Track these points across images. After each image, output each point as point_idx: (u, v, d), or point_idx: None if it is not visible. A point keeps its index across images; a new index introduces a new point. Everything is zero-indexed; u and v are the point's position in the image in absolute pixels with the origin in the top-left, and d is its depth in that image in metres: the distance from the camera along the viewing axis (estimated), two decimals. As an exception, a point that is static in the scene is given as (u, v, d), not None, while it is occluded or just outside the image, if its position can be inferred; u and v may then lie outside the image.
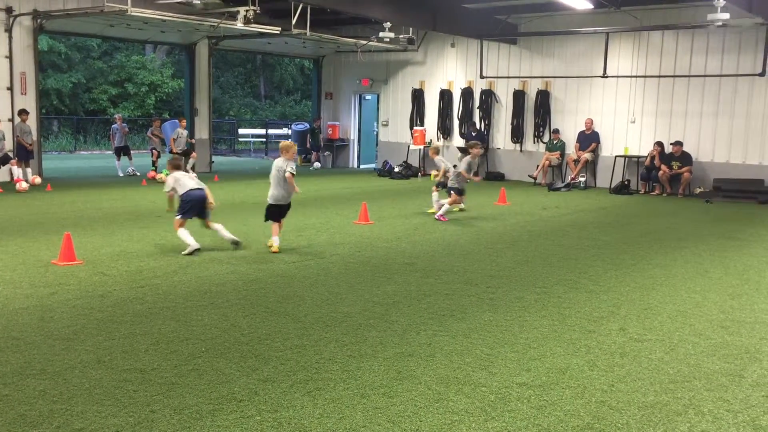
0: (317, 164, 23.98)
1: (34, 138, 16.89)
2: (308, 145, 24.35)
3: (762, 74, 16.16)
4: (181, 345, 5.44)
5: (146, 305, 6.54)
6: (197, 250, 8.82)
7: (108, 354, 5.21)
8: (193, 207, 9.00)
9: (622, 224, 12.37)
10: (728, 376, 5.05)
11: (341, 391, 4.60)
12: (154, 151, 20.15)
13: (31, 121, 16.88)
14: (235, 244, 9.23)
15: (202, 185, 9.18)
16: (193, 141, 19.79)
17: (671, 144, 17.31)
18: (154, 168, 19.35)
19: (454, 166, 12.91)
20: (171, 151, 22.28)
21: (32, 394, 4.47)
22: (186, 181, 9.10)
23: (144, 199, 14.25)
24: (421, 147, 21.35)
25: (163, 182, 17.73)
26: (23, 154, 16.46)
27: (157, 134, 20.62)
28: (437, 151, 13.27)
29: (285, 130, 34.11)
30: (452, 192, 12.32)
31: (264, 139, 34.38)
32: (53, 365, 4.96)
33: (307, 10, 16.91)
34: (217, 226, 9.27)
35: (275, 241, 9.16)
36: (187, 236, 8.89)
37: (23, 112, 16.31)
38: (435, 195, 12.90)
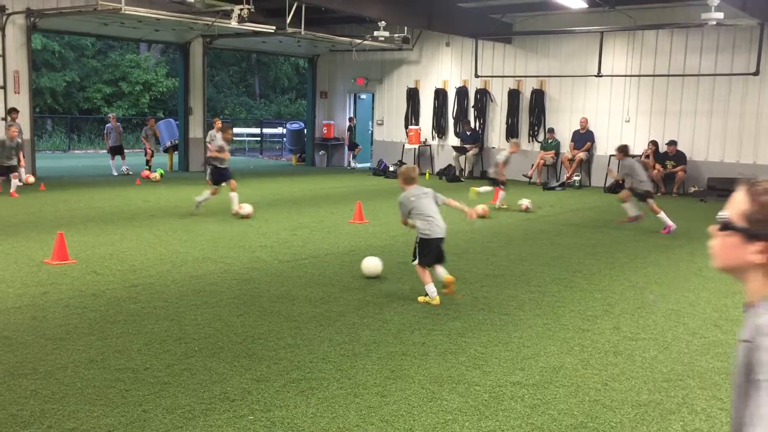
0: (365, 164, 23.89)
1: (26, 137, 16.80)
2: (348, 144, 24.06)
3: (756, 73, 16.17)
4: (173, 344, 5.42)
5: (139, 304, 6.51)
6: None
7: (100, 353, 5.19)
8: None
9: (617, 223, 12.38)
10: (721, 375, 5.06)
11: (335, 390, 4.59)
12: (148, 150, 20.10)
13: (25, 121, 16.78)
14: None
15: None
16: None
17: (666, 143, 17.34)
18: (148, 167, 19.30)
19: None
20: (164, 149, 22.29)
21: (24, 393, 4.44)
22: None
23: (138, 199, 14.21)
24: (417, 146, 21.34)
25: (157, 181, 17.79)
26: None
27: (152, 133, 20.54)
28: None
29: (280, 129, 34.05)
30: None
31: (259, 139, 34.32)
32: (45, 365, 4.94)
33: (301, 9, 16.87)
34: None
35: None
36: None
37: (13, 111, 16.20)
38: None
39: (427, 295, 6.75)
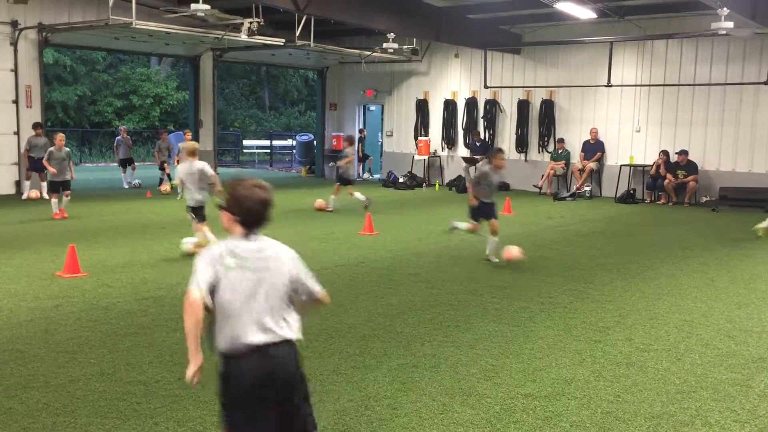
0: (377, 175, 23.78)
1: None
2: (360, 155, 24.03)
3: (766, 82, 16.12)
4: (184, 357, 5.40)
5: (150, 317, 6.53)
6: None
7: (112, 366, 5.20)
8: None
9: (628, 234, 12.33)
10: (735, 386, 5.02)
11: (345, 402, 4.58)
12: (164, 164, 20.18)
13: (36, 134, 16.86)
14: None
15: None
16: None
17: (677, 153, 17.28)
18: (167, 179, 19.34)
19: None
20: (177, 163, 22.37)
21: (36, 406, 4.46)
22: None
23: (148, 211, 14.27)
24: (426, 157, 21.36)
25: (167, 193, 17.86)
26: (37, 167, 16.03)
27: (165, 146, 20.64)
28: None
29: (289, 141, 34.18)
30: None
31: (268, 151, 34.45)
32: (57, 378, 4.95)
33: (310, 22, 16.96)
34: None
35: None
36: None
37: (38, 126, 16.18)
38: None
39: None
